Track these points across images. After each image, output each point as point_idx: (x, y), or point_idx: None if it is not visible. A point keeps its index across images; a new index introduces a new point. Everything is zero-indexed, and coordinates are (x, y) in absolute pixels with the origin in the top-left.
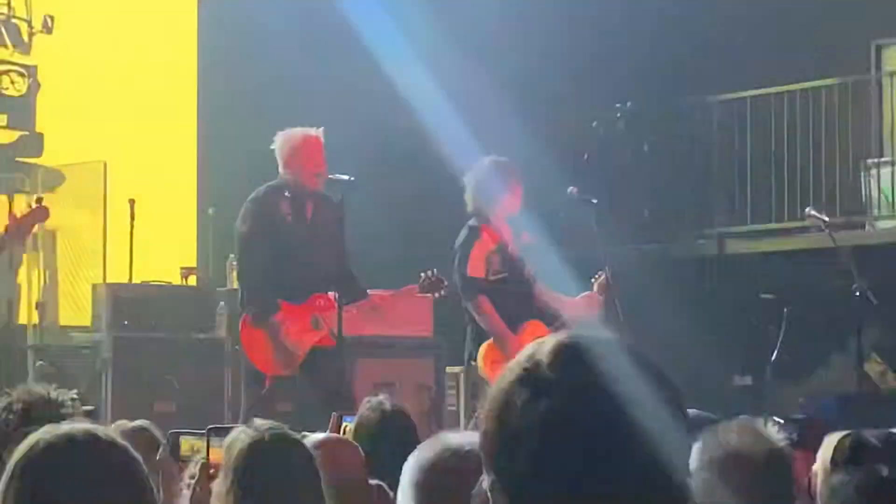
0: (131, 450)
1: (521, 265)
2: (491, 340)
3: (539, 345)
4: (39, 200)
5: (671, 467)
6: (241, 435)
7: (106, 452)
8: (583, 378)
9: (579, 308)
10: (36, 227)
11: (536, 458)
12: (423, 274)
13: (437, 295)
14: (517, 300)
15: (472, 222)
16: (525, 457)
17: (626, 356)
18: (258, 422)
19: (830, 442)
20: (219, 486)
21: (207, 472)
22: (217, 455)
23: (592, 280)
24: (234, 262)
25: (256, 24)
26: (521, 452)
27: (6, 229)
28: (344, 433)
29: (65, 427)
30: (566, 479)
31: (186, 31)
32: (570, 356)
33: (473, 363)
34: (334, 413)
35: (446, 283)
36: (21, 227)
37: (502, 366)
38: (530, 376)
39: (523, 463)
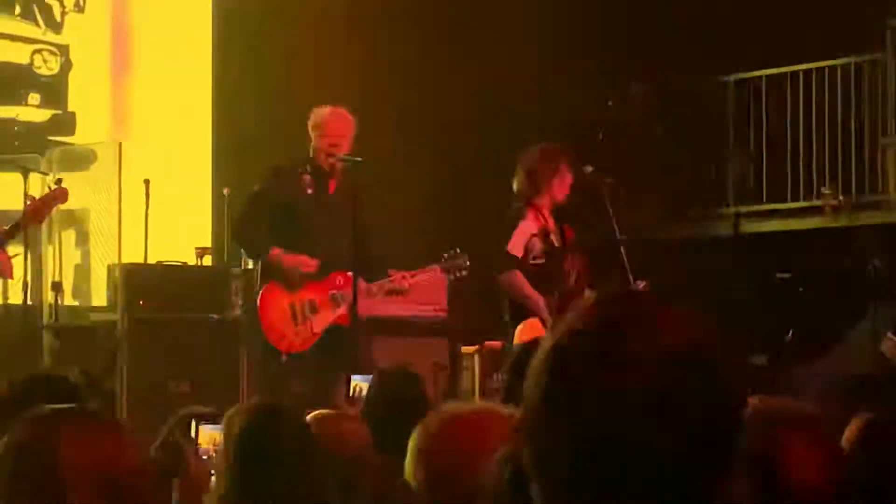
0: (126, 429)
1: (560, 258)
2: (529, 320)
3: (584, 318)
4: (59, 182)
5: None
6: (239, 410)
7: (97, 432)
8: (642, 356)
9: None
10: (55, 209)
11: (587, 450)
12: (445, 254)
13: (459, 274)
14: (549, 292)
15: (517, 203)
16: (576, 447)
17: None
18: (255, 398)
19: (852, 425)
20: (218, 460)
21: (195, 458)
22: (205, 439)
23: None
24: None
25: (272, 3)
26: (571, 443)
27: (25, 211)
28: (355, 392)
29: (55, 407)
30: (615, 473)
31: (201, 10)
32: (620, 330)
33: (510, 346)
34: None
35: (468, 262)
36: (40, 209)
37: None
38: (579, 355)
39: (574, 453)
